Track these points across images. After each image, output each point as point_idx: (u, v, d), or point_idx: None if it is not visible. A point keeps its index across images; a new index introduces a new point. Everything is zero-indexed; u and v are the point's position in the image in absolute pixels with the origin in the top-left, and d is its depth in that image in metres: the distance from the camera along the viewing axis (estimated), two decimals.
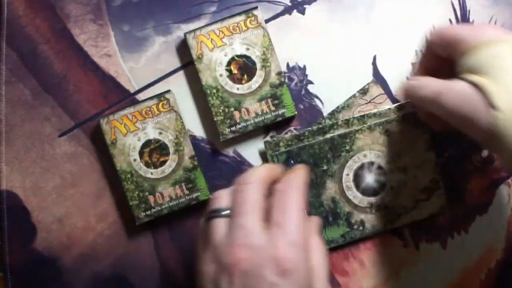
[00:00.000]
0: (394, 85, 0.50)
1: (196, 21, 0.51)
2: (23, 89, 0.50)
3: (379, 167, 0.47)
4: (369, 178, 0.47)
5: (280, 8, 0.51)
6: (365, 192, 0.47)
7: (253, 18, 0.48)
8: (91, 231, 0.50)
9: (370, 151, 0.47)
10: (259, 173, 0.37)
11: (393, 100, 0.50)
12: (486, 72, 0.34)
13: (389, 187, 0.47)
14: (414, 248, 0.50)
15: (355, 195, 0.47)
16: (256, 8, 0.48)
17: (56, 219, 0.50)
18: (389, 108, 0.48)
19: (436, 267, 0.50)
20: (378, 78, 0.50)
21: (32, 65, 0.50)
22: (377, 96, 0.49)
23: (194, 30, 0.48)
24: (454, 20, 0.51)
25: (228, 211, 0.36)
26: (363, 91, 0.49)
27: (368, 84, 0.50)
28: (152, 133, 0.48)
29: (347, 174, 0.47)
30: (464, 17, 0.51)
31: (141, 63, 0.51)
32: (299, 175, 0.38)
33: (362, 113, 0.48)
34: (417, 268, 0.49)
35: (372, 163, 0.47)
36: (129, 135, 0.48)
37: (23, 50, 0.50)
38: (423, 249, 0.50)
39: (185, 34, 0.48)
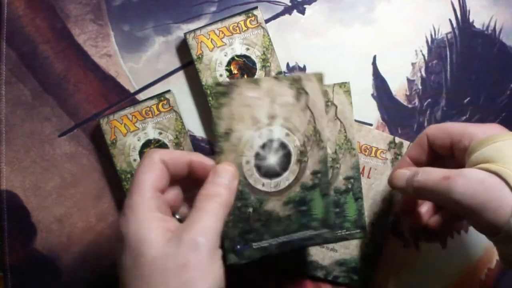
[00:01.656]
0: (394, 85, 0.50)
1: (196, 21, 0.51)
2: (23, 89, 0.50)
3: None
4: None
5: (280, 8, 0.51)
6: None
7: (253, 18, 0.48)
8: (91, 231, 0.50)
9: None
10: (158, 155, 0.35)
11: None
12: (502, 161, 0.34)
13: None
14: (414, 248, 0.50)
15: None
16: (256, 8, 0.48)
17: (56, 219, 0.50)
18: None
19: (436, 267, 0.50)
20: (378, 78, 0.50)
21: (32, 65, 0.50)
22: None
23: (194, 30, 0.48)
24: (454, 20, 0.51)
25: None
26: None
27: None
28: (152, 133, 0.48)
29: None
30: (464, 17, 0.51)
31: (141, 63, 0.51)
32: (227, 182, 0.35)
33: None
34: (417, 268, 0.49)
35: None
36: (129, 135, 0.48)
37: (23, 50, 0.50)
38: (423, 249, 0.50)
39: (185, 34, 0.48)
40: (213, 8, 0.51)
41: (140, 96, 0.50)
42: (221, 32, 0.48)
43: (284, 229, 0.40)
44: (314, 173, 0.39)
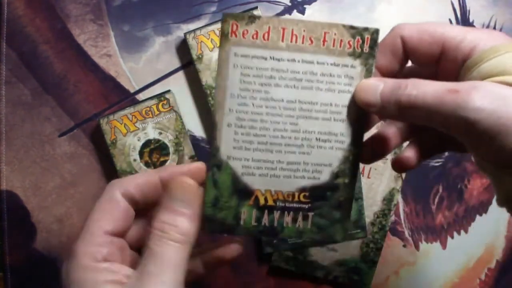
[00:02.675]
0: None
1: (196, 21, 0.51)
2: (23, 89, 0.50)
3: None
4: None
5: (280, 8, 0.51)
6: None
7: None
8: None
9: None
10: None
11: None
12: None
13: None
14: (414, 248, 0.50)
15: None
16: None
17: (56, 219, 0.50)
18: None
19: (436, 267, 0.50)
20: None
21: (32, 65, 0.50)
22: None
23: (194, 30, 0.48)
24: (454, 20, 0.51)
25: None
26: None
27: None
28: (152, 133, 0.48)
29: None
30: (464, 17, 0.51)
31: (141, 63, 0.51)
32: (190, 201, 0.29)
33: None
34: (417, 268, 0.49)
35: None
36: (129, 135, 0.48)
37: (23, 50, 0.50)
38: (423, 249, 0.50)
39: (185, 34, 0.48)
40: (213, 8, 0.51)
41: (140, 96, 0.50)
42: None
43: None
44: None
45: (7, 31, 0.50)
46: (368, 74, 0.30)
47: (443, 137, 0.34)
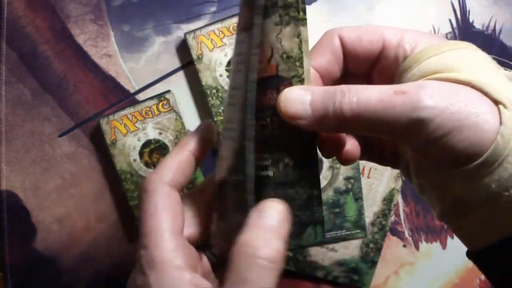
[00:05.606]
0: None
1: (196, 21, 0.51)
2: (23, 89, 0.50)
3: None
4: None
5: None
6: None
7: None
8: (91, 231, 0.50)
9: None
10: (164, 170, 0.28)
11: None
12: (467, 70, 0.26)
13: None
14: (414, 248, 0.50)
15: None
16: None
17: (56, 219, 0.50)
18: None
19: (436, 267, 0.50)
20: None
21: (32, 65, 0.50)
22: None
23: (194, 30, 0.48)
24: (454, 20, 0.51)
25: None
26: None
27: None
28: (152, 133, 0.48)
29: None
30: (464, 17, 0.51)
31: (141, 63, 0.51)
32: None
33: None
34: (417, 268, 0.49)
35: None
36: (129, 135, 0.48)
37: (23, 50, 0.50)
38: (423, 249, 0.50)
39: (185, 34, 0.48)
40: (213, 8, 0.51)
41: (140, 96, 0.50)
42: (221, 32, 0.48)
43: None
44: (347, 178, 0.41)
45: (7, 31, 0.50)
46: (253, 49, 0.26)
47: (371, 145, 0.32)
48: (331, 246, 0.49)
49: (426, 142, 0.24)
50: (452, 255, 0.49)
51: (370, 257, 0.49)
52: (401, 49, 0.27)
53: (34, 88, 0.50)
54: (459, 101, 0.24)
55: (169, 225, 0.26)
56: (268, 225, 0.25)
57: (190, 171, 0.29)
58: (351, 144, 0.30)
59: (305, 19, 0.27)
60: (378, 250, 0.49)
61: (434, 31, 0.51)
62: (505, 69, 0.27)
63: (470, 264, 0.50)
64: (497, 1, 0.51)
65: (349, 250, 0.49)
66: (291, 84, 0.27)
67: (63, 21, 0.51)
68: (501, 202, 0.24)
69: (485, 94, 0.24)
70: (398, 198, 0.49)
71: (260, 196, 0.27)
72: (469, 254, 0.27)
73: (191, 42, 0.48)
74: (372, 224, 0.49)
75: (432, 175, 0.26)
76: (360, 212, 0.48)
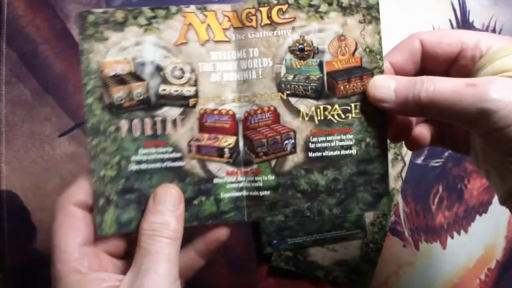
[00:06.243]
0: None
1: None
2: (23, 89, 0.50)
3: None
4: None
5: None
6: None
7: None
8: None
9: None
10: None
11: None
12: None
13: None
14: (414, 248, 0.50)
15: None
16: None
17: None
18: None
19: (436, 267, 0.50)
20: None
21: (32, 65, 0.50)
22: None
23: None
24: (454, 20, 0.51)
25: None
26: None
27: None
28: None
29: None
30: (464, 17, 0.51)
31: None
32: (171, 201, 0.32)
33: None
34: (417, 268, 0.49)
35: None
36: None
37: (23, 50, 0.50)
38: (423, 249, 0.50)
39: None
40: None
41: None
42: None
43: (318, 229, 0.47)
44: None
45: (7, 31, 0.50)
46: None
47: (445, 131, 0.36)
48: (331, 246, 0.49)
49: (490, 131, 0.27)
50: (452, 255, 0.49)
51: (370, 257, 0.49)
52: (477, 50, 0.31)
53: (34, 88, 0.50)
54: None
55: (73, 240, 0.30)
56: (164, 210, 0.31)
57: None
58: (420, 131, 0.35)
59: (379, 19, 0.33)
60: (378, 250, 0.49)
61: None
62: None
63: (470, 264, 0.50)
64: (497, 1, 0.51)
65: (349, 250, 0.49)
66: (373, 75, 0.32)
67: (63, 21, 0.51)
68: None
69: None
70: (398, 198, 0.49)
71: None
72: None
73: None
74: (372, 224, 0.49)
75: (496, 162, 0.30)
76: None
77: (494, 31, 0.51)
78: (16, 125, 0.50)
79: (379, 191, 0.33)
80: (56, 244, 0.30)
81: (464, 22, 0.51)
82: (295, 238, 0.48)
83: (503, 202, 0.31)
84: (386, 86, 0.31)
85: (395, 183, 0.49)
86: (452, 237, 0.50)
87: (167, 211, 0.31)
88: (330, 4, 0.32)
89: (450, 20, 0.51)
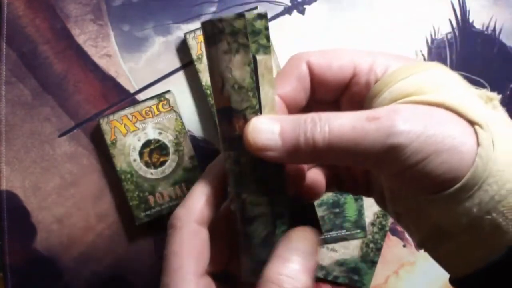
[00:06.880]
0: None
1: (196, 21, 0.51)
2: (23, 89, 0.50)
3: None
4: None
5: (280, 8, 0.51)
6: None
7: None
8: (91, 231, 0.50)
9: None
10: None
11: None
12: (439, 91, 0.25)
13: None
14: (414, 248, 0.50)
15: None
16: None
17: (56, 219, 0.50)
18: None
19: (436, 267, 0.50)
20: None
21: (32, 65, 0.50)
22: None
23: (194, 30, 0.48)
24: (454, 20, 0.51)
25: None
26: None
27: None
28: (152, 133, 0.48)
29: None
30: (464, 17, 0.51)
31: (141, 63, 0.51)
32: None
33: None
34: (417, 268, 0.49)
35: None
36: (129, 135, 0.48)
37: (23, 50, 0.50)
38: None
39: (185, 34, 0.48)
40: (213, 8, 0.51)
41: (140, 96, 0.50)
42: None
43: None
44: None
45: (7, 31, 0.50)
46: None
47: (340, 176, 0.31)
48: (331, 246, 0.49)
49: (403, 169, 0.23)
50: None
51: (370, 257, 0.49)
52: (372, 74, 0.26)
53: (34, 88, 0.50)
54: (434, 123, 0.22)
55: (192, 266, 0.25)
56: (295, 258, 0.24)
57: (218, 203, 0.28)
58: (314, 178, 0.29)
59: (269, 46, 0.26)
60: (378, 250, 0.49)
61: (434, 31, 0.51)
62: (476, 88, 0.26)
63: None
64: (497, 1, 0.51)
65: (349, 250, 0.49)
66: (244, 117, 0.25)
67: (63, 21, 0.51)
68: (484, 226, 0.22)
69: (460, 115, 0.23)
70: None
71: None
72: (452, 281, 0.27)
73: (191, 42, 0.48)
74: (372, 224, 0.49)
75: (409, 203, 0.25)
76: (360, 212, 0.48)
77: (494, 31, 0.51)
78: (16, 125, 0.50)
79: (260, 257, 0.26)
80: (175, 268, 0.25)
81: (464, 22, 0.51)
82: None
83: (420, 245, 0.27)
84: (268, 130, 0.24)
85: None
86: None
87: (304, 263, 0.24)
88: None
89: (450, 20, 0.51)
